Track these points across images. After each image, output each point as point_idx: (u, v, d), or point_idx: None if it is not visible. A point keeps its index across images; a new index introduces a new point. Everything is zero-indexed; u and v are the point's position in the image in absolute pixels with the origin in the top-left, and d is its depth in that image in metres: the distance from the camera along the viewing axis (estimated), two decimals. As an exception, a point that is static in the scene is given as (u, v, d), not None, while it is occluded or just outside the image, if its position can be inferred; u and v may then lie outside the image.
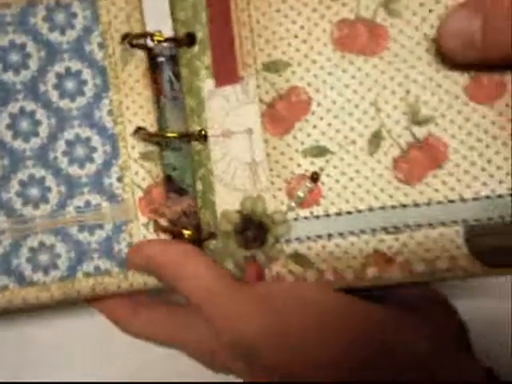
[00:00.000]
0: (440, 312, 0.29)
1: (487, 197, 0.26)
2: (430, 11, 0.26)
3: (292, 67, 0.28)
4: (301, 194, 0.28)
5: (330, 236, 0.28)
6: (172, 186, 0.32)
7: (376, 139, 0.27)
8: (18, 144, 0.31)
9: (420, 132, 0.27)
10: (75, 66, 0.31)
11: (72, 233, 0.31)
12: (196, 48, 0.29)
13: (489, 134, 0.26)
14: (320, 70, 0.28)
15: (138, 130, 0.31)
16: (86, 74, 0.31)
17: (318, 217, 0.28)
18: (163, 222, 0.31)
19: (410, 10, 0.26)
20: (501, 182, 0.26)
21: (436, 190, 0.27)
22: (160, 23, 0.31)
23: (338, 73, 0.28)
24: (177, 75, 0.31)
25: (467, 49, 0.24)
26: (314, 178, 0.28)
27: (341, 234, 0.28)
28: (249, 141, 0.29)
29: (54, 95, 0.31)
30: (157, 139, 0.31)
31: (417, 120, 0.27)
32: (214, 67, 0.29)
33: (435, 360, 0.26)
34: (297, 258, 0.28)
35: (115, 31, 0.31)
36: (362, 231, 0.28)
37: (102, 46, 0.31)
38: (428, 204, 0.27)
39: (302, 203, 0.28)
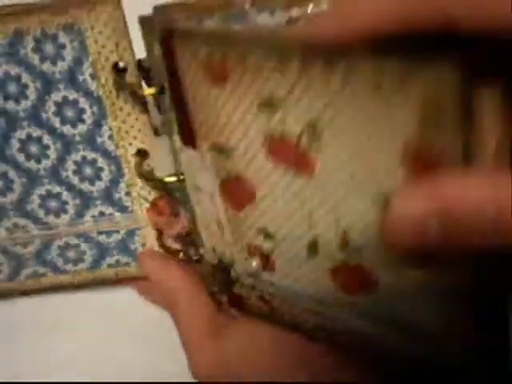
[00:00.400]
0: None
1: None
2: (352, 155, 0.23)
3: (236, 156, 0.27)
4: (255, 263, 0.29)
5: (284, 300, 0.29)
6: (173, 199, 0.35)
7: (312, 248, 0.26)
8: (31, 164, 0.34)
9: (349, 259, 0.25)
10: (71, 95, 0.32)
11: (92, 235, 0.36)
12: (167, 100, 0.29)
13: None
14: (259, 170, 0.26)
15: (139, 152, 0.33)
16: (83, 102, 0.32)
17: (272, 284, 0.29)
18: (165, 238, 0.35)
19: (333, 146, 0.23)
20: None
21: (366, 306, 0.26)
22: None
23: (274, 178, 0.26)
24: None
25: (421, 244, 0.18)
26: (264, 258, 0.29)
27: (291, 305, 0.29)
28: (213, 202, 0.29)
29: (56, 122, 0.33)
30: (152, 180, 0.33)
31: (345, 250, 0.25)
32: (178, 128, 0.29)
33: None
34: (264, 300, 0.30)
35: (105, 60, 0.31)
36: (308, 310, 0.29)
37: (94, 76, 0.32)
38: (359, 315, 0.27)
39: (260, 267, 0.29)
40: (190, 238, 0.34)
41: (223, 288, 0.32)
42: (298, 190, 0.25)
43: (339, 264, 0.26)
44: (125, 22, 0.30)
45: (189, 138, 0.28)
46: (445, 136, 0.20)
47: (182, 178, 0.31)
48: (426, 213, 0.17)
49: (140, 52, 0.31)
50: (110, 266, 0.37)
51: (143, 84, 0.31)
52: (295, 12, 0.27)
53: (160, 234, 0.35)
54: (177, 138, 0.29)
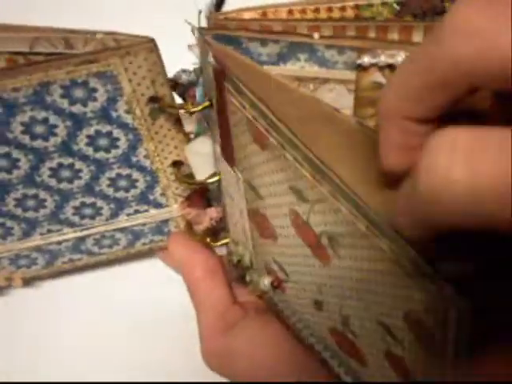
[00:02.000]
0: None
1: None
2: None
3: (265, 202, 0.28)
4: (267, 283, 0.32)
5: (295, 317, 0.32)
6: (207, 192, 0.37)
7: (319, 306, 0.28)
8: (64, 186, 0.34)
9: (346, 331, 0.27)
10: (104, 128, 0.31)
11: (126, 226, 0.38)
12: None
13: None
14: (283, 228, 0.27)
15: (175, 163, 0.34)
16: (117, 133, 0.31)
17: (286, 300, 0.31)
18: (196, 229, 0.37)
19: (346, 253, 0.23)
20: None
21: None
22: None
23: (294, 242, 0.27)
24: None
25: None
26: (274, 286, 0.32)
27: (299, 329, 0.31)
28: (241, 216, 0.31)
29: (88, 151, 0.32)
30: (189, 184, 0.34)
31: (344, 325, 0.27)
32: (221, 144, 0.29)
33: None
34: (275, 304, 0.33)
35: (141, 95, 0.30)
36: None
37: (128, 111, 0.30)
38: None
39: (274, 285, 0.32)
40: (220, 226, 0.37)
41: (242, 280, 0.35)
42: (312, 265, 0.26)
43: (338, 331, 0.27)
44: (161, 61, 0.29)
45: (228, 157, 0.29)
46: None
47: (219, 178, 0.33)
48: None
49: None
50: (143, 244, 0.40)
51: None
52: (366, 59, 0.27)
53: (189, 226, 0.37)
54: (217, 147, 0.30)
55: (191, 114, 0.30)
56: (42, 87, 0.28)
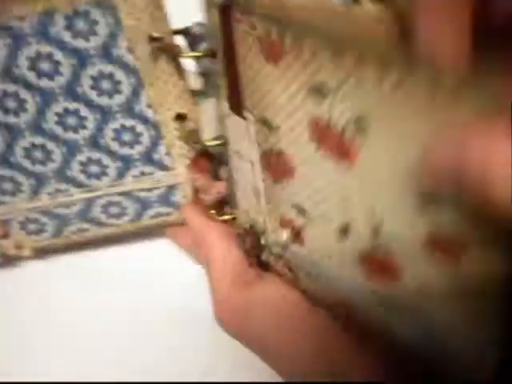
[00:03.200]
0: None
1: None
2: (396, 153, 0.23)
3: (280, 132, 0.27)
4: (286, 236, 0.30)
5: (309, 274, 0.30)
6: (212, 156, 0.36)
7: (344, 231, 0.27)
8: (70, 136, 0.34)
9: (379, 252, 0.26)
10: (107, 68, 0.32)
11: (134, 193, 0.37)
12: (218, 66, 0.29)
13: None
14: (300, 149, 0.27)
15: (178, 116, 0.34)
16: (119, 75, 0.32)
17: (303, 254, 0.30)
18: (203, 197, 0.36)
19: (379, 140, 0.23)
20: None
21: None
22: (184, 21, 0.31)
23: (315, 159, 0.26)
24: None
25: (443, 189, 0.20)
26: (295, 232, 0.30)
27: (316, 279, 0.30)
28: (252, 170, 0.30)
29: (92, 94, 0.33)
30: (197, 145, 0.34)
31: (378, 243, 0.26)
32: (227, 95, 0.29)
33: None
34: (290, 268, 0.32)
35: (141, 33, 0.31)
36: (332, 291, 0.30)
37: (130, 49, 0.31)
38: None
39: (289, 241, 0.30)
40: (225, 200, 0.36)
41: (252, 252, 0.33)
42: (336, 175, 0.26)
43: (367, 252, 0.26)
44: (159, -6, 0.30)
45: (236, 105, 0.29)
46: None
47: (224, 142, 0.32)
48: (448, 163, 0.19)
49: (175, 24, 0.31)
50: (151, 217, 0.39)
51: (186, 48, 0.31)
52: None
53: (196, 192, 0.37)
54: (223, 102, 0.30)
55: (194, 57, 0.31)
56: (46, 16, 0.30)
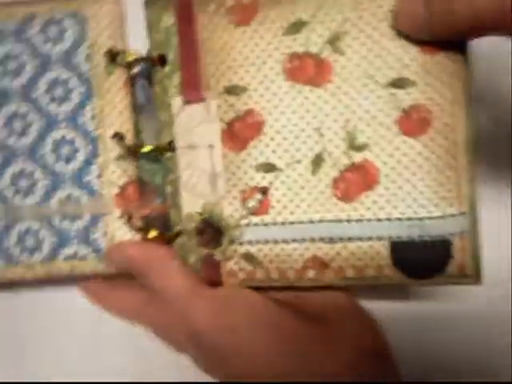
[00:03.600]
0: (354, 323, 0.31)
1: (409, 218, 0.30)
2: (369, 50, 0.30)
3: (249, 91, 0.32)
4: (252, 204, 0.32)
5: (276, 241, 0.32)
6: (143, 186, 0.36)
7: (318, 160, 0.31)
8: (12, 141, 0.36)
9: (356, 157, 0.31)
10: (64, 74, 0.35)
11: (55, 222, 0.36)
12: (167, 68, 0.33)
13: (415, 163, 0.30)
14: (273, 96, 0.31)
15: (116, 134, 0.35)
16: (73, 82, 0.35)
17: (266, 224, 0.32)
18: (135, 220, 0.35)
19: (351, 49, 0.30)
20: (422, 205, 0.30)
21: (368, 208, 0.31)
22: (140, 41, 0.36)
23: (288, 100, 0.31)
24: (147, 88, 0.35)
25: (415, 25, 0.27)
26: (264, 191, 0.32)
27: (285, 241, 0.32)
28: (210, 154, 0.33)
29: (44, 100, 0.35)
30: (132, 153, 0.35)
31: (354, 146, 0.31)
32: (182, 87, 0.33)
33: (350, 373, 0.29)
34: (248, 257, 0.33)
35: (101, 46, 0.35)
36: (303, 239, 0.32)
37: (88, 58, 0.35)
38: (359, 220, 0.31)
39: (252, 211, 0.32)
40: (162, 216, 0.35)
41: (210, 244, 0.33)
42: (312, 103, 0.31)
43: (344, 167, 0.31)
44: (122, 15, 0.35)
45: (193, 92, 0.32)
46: None
47: (172, 144, 0.34)
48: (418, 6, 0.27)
49: (132, 42, 0.36)
50: (66, 258, 0.36)
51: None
52: None
53: (129, 218, 0.35)
54: (174, 101, 0.33)
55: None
56: (28, 19, 0.36)
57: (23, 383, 0.39)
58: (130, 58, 0.34)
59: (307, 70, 0.31)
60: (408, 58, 0.29)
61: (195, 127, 0.33)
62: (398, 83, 0.30)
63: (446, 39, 0.28)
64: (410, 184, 0.30)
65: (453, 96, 0.29)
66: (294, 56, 0.31)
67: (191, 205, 0.33)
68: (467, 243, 0.30)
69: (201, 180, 0.33)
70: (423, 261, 0.30)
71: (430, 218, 0.30)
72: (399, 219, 0.30)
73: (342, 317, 0.32)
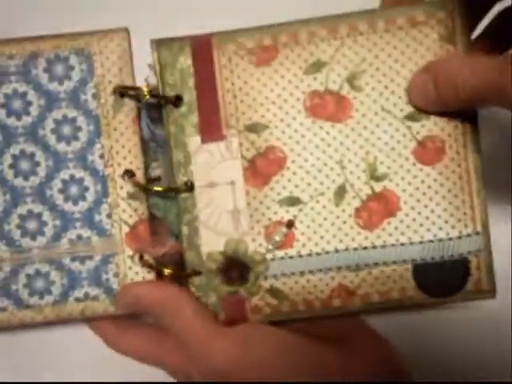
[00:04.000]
0: (368, 346, 0.33)
1: (430, 240, 0.32)
2: (385, 87, 0.32)
3: (270, 129, 0.33)
4: (277, 238, 0.33)
5: (301, 273, 0.33)
6: (156, 223, 0.35)
7: (341, 192, 0.33)
8: (19, 182, 0.35)
9: (377, 186, 0.32)
10: (71, 113, 0.35)
11: (65, 262, 0.35)
12: (183, 108, 0.33)
13: (432, 190, 0.33)
14: (294, 133, 0.33)
15: (126, 172, 0.35)
16: (81, 121, 0.35)
17: (291, 257, 0.33)
18: (147, 258, 0.34)
19: (369, 86, 0.32)
20: (440, 228, 0.33)
21: (390, 235, 0.32)
22: (147, 77, 0.35)
23: (310, 135, 0.33)
24: (153, 120, 0.35)
25: (428, 102, 0.31)
26: (289, 224, 0.33)
27: (311, 271, 0.33)
28: (231, 191, 0.33)
29: (52, 139, 0.35)
30: (145, 190, 0.34)
31: (374, 176, 0.32)
32: (200, 126, 0.33)
33: None
34: (273, 292, 0.33)
35: (108, 83, 0.35)
36: (329, 269, 0.33)
37: (95, 96, 0.35)
38: (383, 246, 0.32)
39: (278, 246, 0.33)
40: (176, 256, 0.34)
41: (238, 283, 0.33)
42: (333, 138, 0.33)
43: (366, 197, 0.33)
44: (130, 52, 0.35)
45: (213, 131, 0.33)
46: None
47: (189, 184, 0.34)
48: (424, 80, 0.31)
49: (140, 79, 0.35)
50: (77, 299, 0.35)
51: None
52: None
53: (141, 256, 0.35)
54: (192, 140, 0.33)
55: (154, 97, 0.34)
56: (31, 58, 0.35)
57: (24, 383, 0.39)
58: (146, 95, 0.33)
59: (328, 106, 0.32)
60: None
61: (215, 165, 0.33)
62: (414, 116, 0.32)
63: (455, 110, 0.31)
64: (428, 209, 0.32)
65: (463, 127, 0.32)
66: (314, 94, 0.32)
67: (212, 244, 0.33)
68: (482, 260, 0.33)
69: (222, 218, 0.33)
70: (444, 280, 0.32)
71: (448, 239, 0.32)
72: (421, 242, 0.32)
73: (357, 338, 0.33)
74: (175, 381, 0.34)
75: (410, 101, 0.32)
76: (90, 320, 0.36)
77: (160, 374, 0.35)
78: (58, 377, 0.40)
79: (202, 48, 0.33)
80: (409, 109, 0.32)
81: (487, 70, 0.28)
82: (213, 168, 0.33)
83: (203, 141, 0.33)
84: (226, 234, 0.33)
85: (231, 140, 0.33)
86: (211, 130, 0.33)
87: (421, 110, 0.32)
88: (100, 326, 0.36)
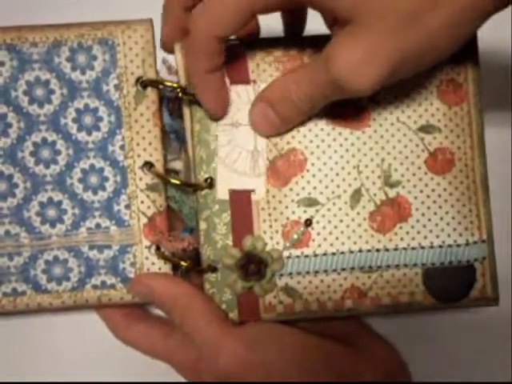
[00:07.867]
0: (376, 347, 0.34)
1: (440, 246, 0.34)
2: (401, 101, 0.34)
3: (292, 132, 0.34)
4: (295, 236, 0.34)
5: (316, 272, 0.34)
6: (171, 215, 0.36)
7: (356, 195, 0.34)
8: (39, 169, 0.35)
9: (390, 192, 0.34)
10: (93, 103, 0.35)
11: (83, 250, 0.36)
12: None
13: (441, 198, 0.34)
14: (315, 137, 0.34)
15: (146, 164, 0.35)
16: (102, 111, 0.35)
17: (307, 256, 0.34)
18: (164, 250, 0.35)
19: (386, 99, 0.34)
20: (449, 235, 0.34)
21: (401, 239, 0.34)
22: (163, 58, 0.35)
23: (329, 141, 0.34)
24: (173, 112, 0.35)
25: (273, 126, 0.33)
26: (307, 223, 0.34)
27: (325, 271, 0.34)
28: (254, 132, 0.34)
29: (73, 128, 0.35)
30: (165, 182, 0.34)
31: (388, 182, 0.33)
32: None
33: None
34: (287, 290, 0.34)
35: (130, 74, 0.35)
36: (343, 269, 0.34)
37: (117, 87, 0.35)
38: (395, 249, 0.33)
39: (294, 244, 0.34)
40: (193, 251, 0.35)
41: (255, 278, 0.34)
42: (351, 144, 0.34)
43: (380, 202, 0.34)
44: (154, 43, 0.35)
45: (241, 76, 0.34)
46: None
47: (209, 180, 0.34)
48: (261, 108, 0.33)
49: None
50: (94, 287, 0.36)
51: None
52: None
53: (158, 248, 0.35)
54: (205, 145, 0.34)
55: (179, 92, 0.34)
56: (54, 47, 0.35)
57: (24, 383, 0.39)
58: (179, 92, 0.33)
59: (347, 115, 0.34)
60: (434, 108, 0.34)
61: (241, 107, 0.34)
62: (426, 129, 0.34)
63: (301, 122, 0.34)
64: (437, 216, 0.34)
65: (471, 142, 0.34)
66: (336, 103, 0.32)
67: (227, 182, 0.34)
68: (487, 268, 0.34)
69: (241, 156, 0.34)
70: (452, 286, 0.33)
71: (457, 246, 0.34)
72: (430, 247, 0.34)
73: (365, 339, 0.34)
74: (175, 381, 0.35)
75: (258, 133, 0.34)
76: (107, 306, 0.36)
77: (160, 374, 0.36)
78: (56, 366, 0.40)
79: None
80: (422, 121, 0.34)
81: (310, 75, 0.30)
82: (239, 110, 0.34)
83: (231, 83, 0.34)
84: (243, 172, 0.34)
85: (260, 85, 0.34)
86: (239, 74, 0.34)
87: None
88: (110, 318, 0.36)
